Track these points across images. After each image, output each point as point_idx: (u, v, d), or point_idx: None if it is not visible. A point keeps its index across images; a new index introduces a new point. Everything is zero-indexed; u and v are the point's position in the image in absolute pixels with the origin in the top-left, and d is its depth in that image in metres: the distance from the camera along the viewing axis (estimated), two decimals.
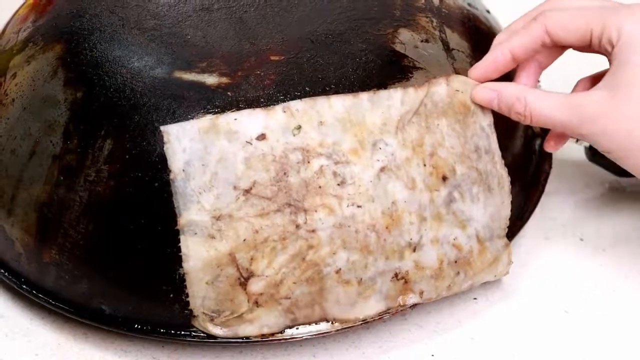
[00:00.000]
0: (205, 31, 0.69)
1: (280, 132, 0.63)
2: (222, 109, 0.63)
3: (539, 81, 0.75)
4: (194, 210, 0.62)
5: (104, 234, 0.64)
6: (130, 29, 0.69)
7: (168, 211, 0.62)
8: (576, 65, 0.73)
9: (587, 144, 0.78)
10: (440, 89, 0.66)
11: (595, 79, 0.70)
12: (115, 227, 0.64)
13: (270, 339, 0.64)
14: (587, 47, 0.66)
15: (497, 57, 0.67)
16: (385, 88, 0.66)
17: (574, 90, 0.71)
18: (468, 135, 0.66)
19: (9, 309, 0.70)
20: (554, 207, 0.78)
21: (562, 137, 0.71)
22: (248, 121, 0.63)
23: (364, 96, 0.64)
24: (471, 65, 0.70)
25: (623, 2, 0.66)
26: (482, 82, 0.67)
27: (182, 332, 0.65)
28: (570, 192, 0.79)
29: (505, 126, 0.71)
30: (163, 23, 0.69)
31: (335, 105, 0.64)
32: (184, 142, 0.63)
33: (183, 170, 0.62)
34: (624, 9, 0.65)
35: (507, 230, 0.69)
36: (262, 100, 0.64)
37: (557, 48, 0.68)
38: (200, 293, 0.63)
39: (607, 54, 0.65)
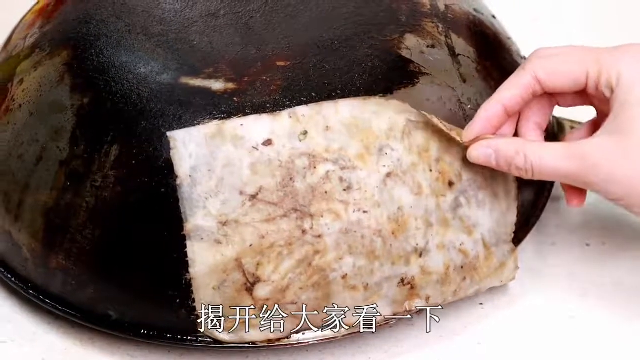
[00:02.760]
0: (211, 37, 0.69)
1: (287, 138, 0.63)
2: (229, 114, 0.63)
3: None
4: (201, 216, 0.62)
5: (111, 240, 0.64)
6: (136, 35, 0.69)
7: (174, 216, 0.62)
8: None
9: None
10: None
11: (593, 126, 0.68)
12: (121, 232, 0.64)
13: (277, 344, 0.64)
14: (579, 93, 0.65)
15: (488, 112, 0.65)
16: (391, 93, 0.66)
17: (568, 139, 0.69)
18: None
19: (16, 314, 0.70)
20: (561, 212, 0.78)
21: (581, 190, 0.67)
22: (254, 127, 0.63)
23: (371, 101, 0.64)
24: (477, 70, 0.70)
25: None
26: (475, 141, 0.65)
27: (189, 338, 0.65)
28: None
29: None
30: (169, 29, 0.70)
31: (342, 110, 0.64)
32: (191, 147, 0.63)
33: (189, 176, 0.62)
34: (618, 49, 0.63)
35: (513, 235, 0.69)
36: (268, 105, 0.64)
37: (548, 99, 0.66)
38: (206, 298, 0.63)
39: (604, 99, 0.63)
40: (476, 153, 0.64)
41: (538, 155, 0.63)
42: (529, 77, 0.64)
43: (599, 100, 0.64)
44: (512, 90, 0.65)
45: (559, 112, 0.78)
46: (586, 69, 0.63)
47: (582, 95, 0.65)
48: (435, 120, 0.65)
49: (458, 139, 0.65)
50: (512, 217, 0.69)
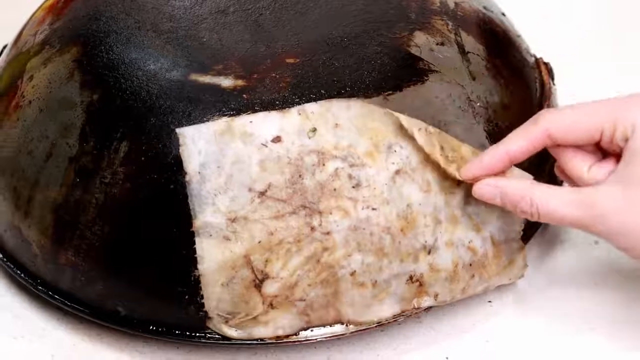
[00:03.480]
0: (221, 34, 0.69)
1: (296, 135, 0.63)
2: (238, 111, 0.63)
3: (553, 83, 0.75)
4: (209, 212, 0.62)
5: (120, 236, 0.65)
6: (146, 32, 0.69)
7: (183, 213, 0.63)
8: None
9: None
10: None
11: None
12: (130, 229, 0.64)
13: (285, 340, 0.65)
14: (590, 146, 0.63)
15: (492, 158, 0.64)
16: (401, 91, 0.66)
17: (588, 178, 0.65)
18: None
19: (25, 310, 0.70)
20: None
21: None
22: (263, 124, 0.63)
23: (379, 99, 0.65)
24: (487, 68, 0.70)
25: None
26: (473, 181, 0.64)
27: (197, 334, 0.65)
28: None
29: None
30: (179, 26, 0.70)
31: (351, 108, 0.64)
32: (200, 144, 0.63)
33: (198, 173, 0.62)
34: (633, 98, 0.62)
35: (522, 233, 0.69)
36: (277, 102, 0.64)
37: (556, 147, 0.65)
38: (215, 295, 0.63)
39: (617, 150, 0.62)
40: (481, 191, 0.64)
41: (545, 200, 0.62)
42: (540, 132, 0.63)
43: (613, 151, 0.63)
44: (520, 141, 0.63)
45: (567, 101, 0.78)
46: (601, 124, 0.62)
47: (594, 148, 0.64)
48: (437, 156, 0.64)
49: (456, 174, 0.64)
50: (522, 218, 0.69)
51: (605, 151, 0.63)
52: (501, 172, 0.64)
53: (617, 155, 0.62)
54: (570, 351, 0.67)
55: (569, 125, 0.63)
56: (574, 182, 0.65)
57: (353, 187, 0.63)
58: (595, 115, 0.62)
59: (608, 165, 0.63)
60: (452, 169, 0.64)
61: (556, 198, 0.62)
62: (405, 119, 0.64)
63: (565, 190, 0.63)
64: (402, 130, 0.64)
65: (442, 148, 0.65)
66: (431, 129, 0.64)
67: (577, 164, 0.64)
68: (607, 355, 0.67)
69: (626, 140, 0.61)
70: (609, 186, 0.61)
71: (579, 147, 0.64)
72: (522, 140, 0.63)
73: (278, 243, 0.63)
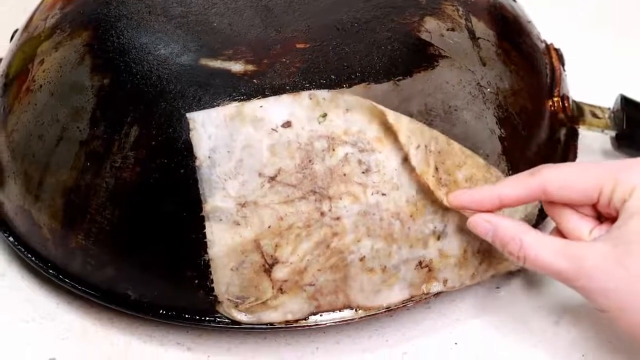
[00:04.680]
0: (231, 19, 0.69)
1: (306, 120, 0.63)
2: (248, 96, 0.63)
3: (564, 69, 0.75)
4: (219, 197, 0.63)
5: (130, 220, 0.65)
6: (157, 16, 0.69)
7: (193, 198, 0.63)
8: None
9: (613, 133, 0.78)
10: None
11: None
12: (141, 213, 0.65)
13: (294, 325, 0.65)
14: (587, 209, 0.63)
15: (483, 197, 0.63)
16: (411, 76, 0.66)
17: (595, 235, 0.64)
18: None
19: (36, 294, 0.71)
20: None
21: None
22: (273, 108, 0.63)
23: (390, 84, 0.65)
24: (497, 54, 0.70)
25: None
26: (458, 210, 0.64)
27: (207, 318, 0.65)
28: None
29: (531, 116, 0.71)
30: (189, 10, 0.70)
31: (361, 94, 0.64)
32: (210, 129, 0.63)
33: (209, 157, 0.63)
34: (635, 162, 0.61)
35: (534, 219, 0.69)
36: (287, 87, 0.64)
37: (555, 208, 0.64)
38: (225, 279, 0.63)
39: (614, 214, 0.61)
40: (475, 224, 0.64)
41: (534, 246, 0.61)
42: (537, 184, 0.62)
43: (609, 215, 0.62)
44: (515, 189, 0.63)
45: (578, 95, 0.78)
46: (600, 185, 0.61)
47: (590, 208, 0.63)
48: (428, 177, 0.63)
49: (443, 198, 0.64)
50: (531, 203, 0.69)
51: (603, 215, 0.63)
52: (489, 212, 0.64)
53: (614, 220, 0.61)
54: (578, 337, 0.67)
55: (566, 182, 0.62)
56: None
57: (363, 172, 0.63)
58: (596, 175, 0.61)
59: (609, 229, 0.62)
60: (440, 193, 0.64)
61: (545, 246, 0.61)
62: (406, 132, 0.63)
63: (555, 240, 0.62)
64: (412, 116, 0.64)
65: (436, 169, 0.64)
66: (433, 146, 0.64)
67: (578, 226, 0.63)
68: (617, 342, 0.67)
69: (624, 201, 0.60)
70: (601, 243, 0.60)
71: (577, 209, 0.63)
72: (517, 188, 0.63)
73: (288, 228, 0.63)
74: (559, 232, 0.64)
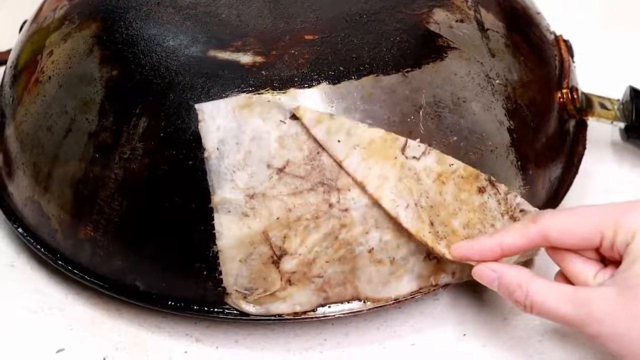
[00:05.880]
0: (239, 10, 0.69)
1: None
2: (257, 87, 0.63)
3: (573, 61, 0.74)
4: (228, 189, 0.63)
5: (139, 211, 0.65)
6: (165, 8, 0.69)
7: (202, 189, 0.63)
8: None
9: (622, 125, 0.77)
10: None
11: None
12: (149, 204, 0.65)
13: (303, 317, 0.65)
14: (591, 253, 0.62)
15: (483, 247, 0.63)
16: (419, 68, 0.65)
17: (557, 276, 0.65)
18: None
19: (45, 285, 0.71)
20: (588, 189, 0.77)
21: None
22: (282, 100, 0.63)
23: (398, 76, 0.65)
24: (506, 45, 0.70)
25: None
26: (462, 261, 0.64)
27: (215, 309, 0.65)
28: (604, 173, 0.79)
29: (540, 107, 0.71)
30: (198, 2, 0.70)
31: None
32: (218, 120, 0.63)
33: (217, 149, 0.63)
34: (636, 205, 0.61)
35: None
36: (296, 79, 0.64)
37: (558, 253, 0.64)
38: (233, 271, 0.63)
39: (617, 257, 0.60)
40: (480, 273, 0.63)
41: (540, 294, 0.60)
42: (537, 231, 0.62)
43: (613, 259, 0.62)
44: (516, 237, 0.62)
45: (587, 86, 0.77)
46: (601, 230, 0.61)
47: (593, 253, 0.63)
48: (425, 233, 0.63)
49: (445, 251, 0.63)
50: (540, 195, 0.69)
51: (606, 258, 0.62)
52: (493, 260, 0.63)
53: (619, 263, 0.60)
54: None
55: (568, 228, 0.61)
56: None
57: None
58: (596, 219, 0.61)
59: (613, 272, 0.61)
60: (441, 247, 0.64)
61: (552, 293, 0.60)
62: (390, 197, 0.62)
63: (562, 286, 0.61)
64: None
65: (431, 224, 0.64)
66: (424, 202, 0.63)
67: (582, 270, 0.62)
68: None
69: (627, 245, 0.60)
70: (607, 288, 0.59)
71: (580, 253, 0.62)
72: (518, 236, 0.62)
73: (296, 220, 0.63)
74: (564, 276, 0.64)
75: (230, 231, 0.63)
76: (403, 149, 0.63)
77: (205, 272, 0.64)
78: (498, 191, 0.65)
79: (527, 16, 0.75)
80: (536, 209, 0.66)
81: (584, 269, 0.62)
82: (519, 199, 0.66)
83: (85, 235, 0.67)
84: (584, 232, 0.61)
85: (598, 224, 0.61)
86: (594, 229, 0.61)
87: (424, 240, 0.63)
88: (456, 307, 0.69)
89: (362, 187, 0.62)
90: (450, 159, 0.64)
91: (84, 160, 0.66)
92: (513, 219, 0.65)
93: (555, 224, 0.62)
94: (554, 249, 0.63)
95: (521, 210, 0.66)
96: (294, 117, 0.63)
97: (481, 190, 0.65)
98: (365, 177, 0.62)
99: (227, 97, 0.63)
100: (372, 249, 0.64)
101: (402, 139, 0.63)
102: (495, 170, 0.67)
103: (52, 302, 0.70)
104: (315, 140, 0.62)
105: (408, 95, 0.65)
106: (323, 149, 0.62)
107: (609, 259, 0.62)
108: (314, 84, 0.64)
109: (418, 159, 0.63)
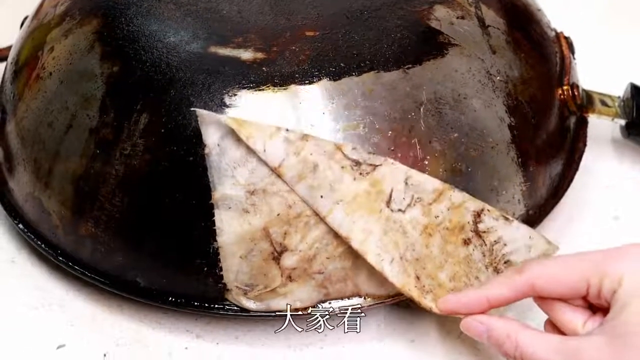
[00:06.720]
0: (240, 6, 0.69)
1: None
2: (257, 84, 0.63)
3: (574, 58, 0.74)
4: (229, 185, 0.63)
5: (139, 208, 0.65)
6: (166, 4, 0.69)
7: (203, 185, 0.63)
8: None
9: (623, 122, 0.77)
10: None
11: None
12: (150, 200, 0.65)
13: (303, 313, 0.65)
14: (579, 301, 0.62)
15: (470, 300, 0.62)
16: (420, 64, 0.66)
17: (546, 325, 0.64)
18: None
19: (46, 281, 0.71)
20: (588, 185, 0.77)
21: None
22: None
23: (399, 72, 0.65)
24: (507, 42, 0.70)
25: None
26: (450, 314, 0.64)
27: (216, 305, 0.65)
28: (604, 170, 0.79)
29: (540, 104, 0.71)
30: None
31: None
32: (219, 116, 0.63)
33: (218, 145, 0.63)
34: (620, 251, 0.60)
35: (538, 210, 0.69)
36: (297, 75, 0.64)
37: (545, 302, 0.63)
38: (234, 267, 0.64)
39: (605, 304, 0.60)
40: (467, 327, 0.63)
41: (530, 345, 0.59)
42: (524, 282, 0.61)
43: (601, 306, 0.61)
44: (502, 289, 0.62)
45: (588, 84, 0.77)
46: (587, 279, 0.60)
47: (580, 301, 0.62)
48: (410, 287, 0.63)
49: (432, 305, 0.63)
50: (540, 191, 0.69)
51: (594, 306, 0.62)
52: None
53: (607, 310, 0.60)
54: None
55: (554, 277, 0.61)
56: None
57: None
58: (581, 268, 0.61)
59: (602, 320, 0.61)
60: (427, 301, 0.63)
61: (541, 343, 0.60)
62: (375, 251, 0.62)
63: (551, 337, 0.61)
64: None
65: (417, 278, 0.63)
66: (409, 255, 0.63)
67: (571, 318, 0.62)
68: None
69: (613, 292, 0.59)
70: (596, 337, 0.58)
71: (568, 301, 0.62)
72: (505, 288, 0.62)
73: (296, 216, 0.63)
74: (553, 325, 0.63)
75: (231, 227, 0.63)
76: (388, 202, 0.62)
77: (205, 269, 0.64)
78: (484, 242, 0.65)
79: (528, 13, 0.75)
80: (525, 259, 0.66)
81: (573, 317, 0.62)
82: (507, 248, 0.65)
83: (86, 231, 0.67)
84: (571, 281, 0.61)
85: (584, 272, 0.60)
86: (580, 277, 0.60)
87: (410, 295, 0.63)
88: None
89: (347, 242, 0.62)
90: (435, 211, 0.63)
91: (85, 156, 0.66)
92: (497, 271, 0.65)
93: (541, 273, 0.61)
94: (542, 299, 0.63)
95: (506, 262, 0.65)
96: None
97: (466, 242, 0.64)
98: (350, 231, 0.62)
99: (227, 93, 0.63)
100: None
101: (387, 192, 0.62)
102: (495, 167, 0.67)
103: (53, 298, 0.70)
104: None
105: (409, 91, 0.65)
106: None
107: (597, 306, 0.62)
108: (314, 80, 0.64)
109: (404, 211, 0.63)
